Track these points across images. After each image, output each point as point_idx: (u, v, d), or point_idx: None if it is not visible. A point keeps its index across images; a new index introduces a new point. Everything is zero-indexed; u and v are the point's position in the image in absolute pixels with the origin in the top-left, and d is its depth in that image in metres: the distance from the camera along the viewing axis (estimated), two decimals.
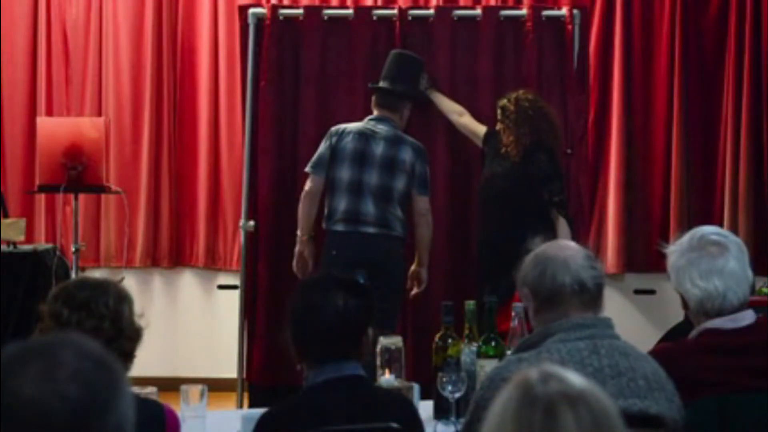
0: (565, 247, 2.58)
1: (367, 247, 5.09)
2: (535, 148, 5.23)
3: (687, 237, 2.75)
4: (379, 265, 4.99)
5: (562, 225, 5.16)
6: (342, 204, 5.13)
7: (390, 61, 5.38)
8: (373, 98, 5.32)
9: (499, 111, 5.35)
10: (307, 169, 5.24)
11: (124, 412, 1.41)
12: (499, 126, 5.36)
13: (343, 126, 5.25)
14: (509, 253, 4.88)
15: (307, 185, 5.22)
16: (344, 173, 5.15)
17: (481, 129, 5.53)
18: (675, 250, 2.75)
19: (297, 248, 5.28)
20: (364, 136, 5.17)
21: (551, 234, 4.96)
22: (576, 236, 5.15)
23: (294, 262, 5.29)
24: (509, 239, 5.10)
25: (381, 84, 5.32)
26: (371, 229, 5.12)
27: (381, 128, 5.20)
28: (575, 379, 1.47)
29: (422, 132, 5.69)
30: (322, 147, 5.21)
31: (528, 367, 1.55)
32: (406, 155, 5.18)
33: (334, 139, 5.19)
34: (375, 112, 5.28)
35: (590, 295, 2.49)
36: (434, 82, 5.72)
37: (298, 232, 5.27)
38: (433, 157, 5.62)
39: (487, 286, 5.17)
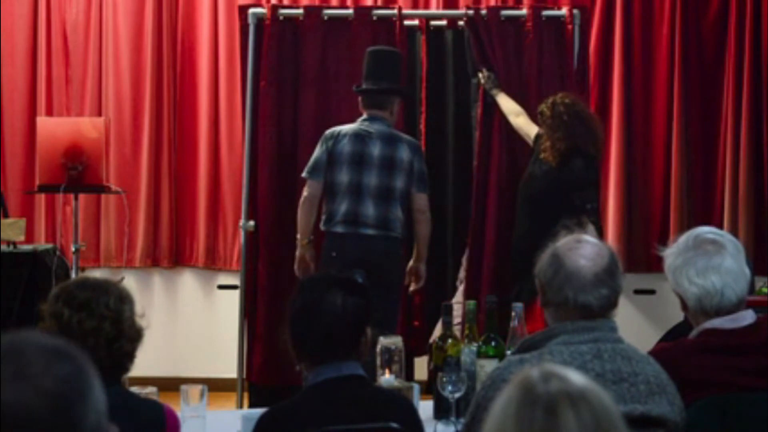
0: (584, 254, 2.47)
1: (367, 249, 5.08)
2: (573, 153, 5.20)
3: (683, 238, 2.76)
4: (379, 266, 4.99)
5: (591, 233, 5.08)
6: (342, 206, 5.12)
7: (368, 60, 5.33)
8: (360, 100, 5.29)
9: (538, 115, 5.35)
10: (304, 174, 5.22)
11: (98, 396, 1.41)
12: (539, 130, 5.37)
13: (337, 129, 5.23)
14: (535, 256, 4.90)
15: (306, 190, 5.21)
16: (343, 176, 5.14)
17: (534, 130, 5.51)
18: (671, 251, 2.75)
19: (298, 252, 5.27)
20: (360, 137, 5.16)
21: None
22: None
23: (296, 267, 5.28)
24: (536, 242, 5.09)
25: (364, 85, 5.29)
26: (370, 231, 5.12)
27: (375, 128, 5.19)
28: (576, 378, 1.47)
29: (482, 130, 5.71)
30: (318, 151, 5.20)
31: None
32: (404, 153, 5.18)
33: (330, 143, 5.17)
34: (364, 114, 5.26)
35: (594, 313, 2.45)
36: (497, 81, 5.70)
37: (298, 236, 5.26)
38: (488, 157, 5.67)
39: (515, 287, 5.18)
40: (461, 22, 5.92)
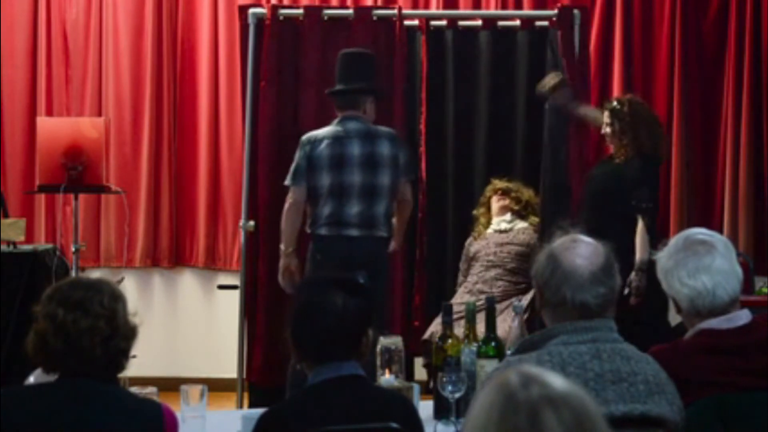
0: (580, 253, 2.47)
1: (352, 251, 5.06)
2: (635, 153, 5.29)
3: (673, 240, 2.78)
4: (365, 268, 4.96)
5: (641, 233, 5.18)
6: (326, 209, 5.11)
7: (338, 63, 5.31)
8: (335, 103, 5.27)
9: (608, 113, 5.40)
10: (287, 182, 5.20)
11: None
12: (604, 130, 5.43)
13: (314, 133, 5.20)
14: None
15: (290, 198, 5.17)
16: (324, 180, 5.12)
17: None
18: (662, 255, 2.76)
19: (282, 262, 5.22)
20: (338, 139, 5.14)
21: (629, 240, 5.06)
22: (654, 246, 4.93)
23: (280, 277, 5.22)
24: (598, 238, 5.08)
25: (336, 88, 5.26)
26: (355, 232, 5.10)
27: (351, 127, 5.17)
28: (556, 380, 1.47)
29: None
30: (297, 157, 5.18)
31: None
32: (385, 149, 5.16)
33: (308, 148, 5.15)
34: (339, 115, 5.24)
35: (593, 312, 2.45)
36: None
37: (282, 246, 5.22)
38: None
39: None
40: (540, 22, 5.95)
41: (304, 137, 5.21)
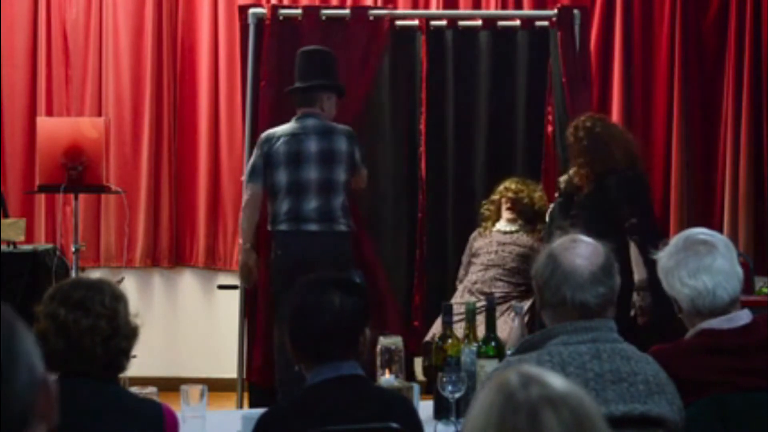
0: (580, 253, 2.47)
1: (312, 247, 5.09)
2: (604, 174, 5.09)
3: (674, 240, 2.78)
4: (326, 263, 4.96)
5: (633, 252, 4.97)
6: (284, 205, 5.16)
7: (297, 62, 5.33)
8: (294, 102, 5.29)
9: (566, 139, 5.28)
10: (243, 178, 5.28)
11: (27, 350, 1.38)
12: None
13: (272, 131, 5.24)
14: None
15: (246, 195, 5.24)
16: (282, 177, 5.16)
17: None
18: (663, 254, 2.76)
19: (241, 257, 5.31)
20: (295, 136, 5.18)
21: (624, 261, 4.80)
22: (646, 264, 4.78)
23: (239, 272, 5.35)
24: None
25: (294, 86, 5.29)
26: (314, 227, 5.13)
27: (308, 123, 5.20)
28: (556, 381, 1.47)
29: None
30: (255, 155, 5.23)
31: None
32: (342, 145, 5.19)
33: (265, 147, 5.20)
34: (298, 113, 5.26)
35: (593, 312, 2.45)
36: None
37: (240, 241, 5.32)
38: None
39: None
40: (541, 22, 5.94)
41: (263, 135, 5.27)
